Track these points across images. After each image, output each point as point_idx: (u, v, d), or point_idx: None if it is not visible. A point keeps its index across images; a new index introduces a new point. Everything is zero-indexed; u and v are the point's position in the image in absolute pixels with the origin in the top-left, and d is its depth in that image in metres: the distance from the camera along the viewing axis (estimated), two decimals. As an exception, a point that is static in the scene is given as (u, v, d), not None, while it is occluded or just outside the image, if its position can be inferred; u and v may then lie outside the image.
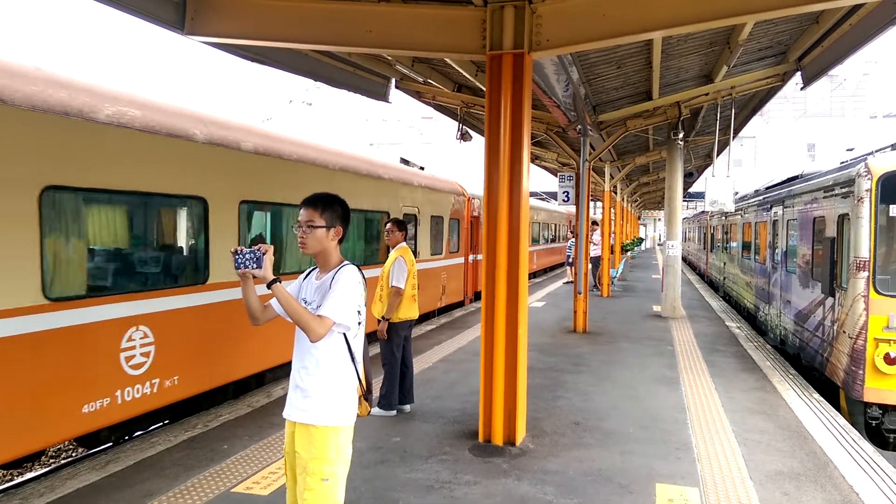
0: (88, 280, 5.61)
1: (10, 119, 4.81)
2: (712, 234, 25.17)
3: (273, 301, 3.08)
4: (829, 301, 8.48)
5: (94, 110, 5.51)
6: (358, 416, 3.25)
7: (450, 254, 15.08)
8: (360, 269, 3.20)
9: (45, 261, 5.07)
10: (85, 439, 6.24)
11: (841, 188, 8.25)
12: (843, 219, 8.12)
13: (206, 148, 6.80)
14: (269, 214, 8.12)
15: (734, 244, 18.97)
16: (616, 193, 24.61)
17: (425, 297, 13.01)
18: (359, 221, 10.29)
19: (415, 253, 11.55)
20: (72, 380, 5.30)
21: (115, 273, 5.92)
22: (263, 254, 2.91)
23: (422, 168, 14.28)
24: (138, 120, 5.98)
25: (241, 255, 2.91)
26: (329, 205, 3.16)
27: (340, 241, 3.23)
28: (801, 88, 10.63)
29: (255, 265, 2.91)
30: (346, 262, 3.19)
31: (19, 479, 6.66)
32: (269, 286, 2.92)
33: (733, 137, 13.75)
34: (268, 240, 8.15)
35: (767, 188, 15.26)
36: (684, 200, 28.48)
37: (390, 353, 6.77)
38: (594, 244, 18.92)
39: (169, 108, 6.58)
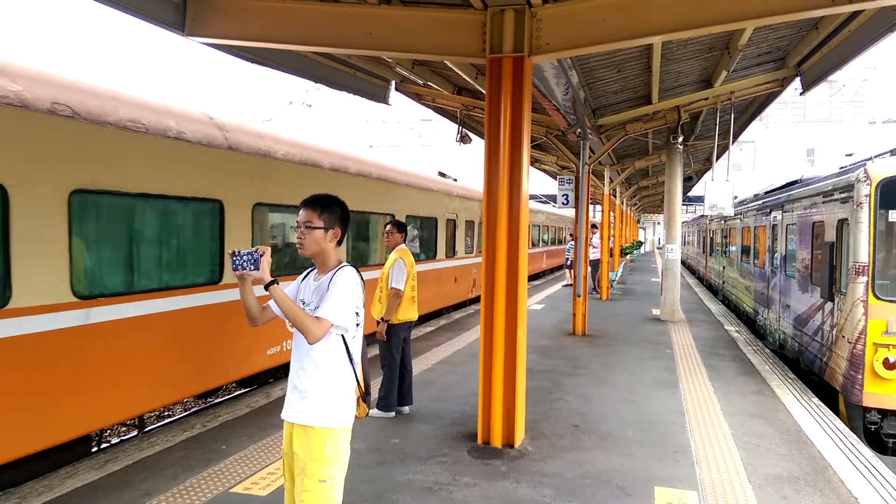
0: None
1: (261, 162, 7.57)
2: (711, 238, 25.19)
3: (271, 302, 3.08)
4: (829, 306, 8.49)
5: (272, 151, 7.89)
6: (356, 417, 3.26)
7: (479, 252, 17.15)
8: (357, 271, 3.20)
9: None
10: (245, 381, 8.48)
11: (840, 193, 8.27)
12: (842, 224, 8.14)
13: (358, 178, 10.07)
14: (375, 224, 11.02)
15: (733, 248, 18.99)
16: (615, 197, 24.64)
17: (461, 290, 16.07)
18: (420, 223, 13.16)
19: (453, 251, 14.80)
20: (264, 331, 7.51)
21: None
22: (261, 255, 2.92)
23: (455, 179, 16.62)
24: (298, 156, 8.37)
25: (238, 257, 2.92)
26: (328, 206, 3.16)
27: (339, 243, 3.23)
28: (801, 94, 10.65)
29: (252, 267, 2.91)
30: (345, 263, 3.20)
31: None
32: (266, 288, 2.92)
33: (733, 142, 13.77)
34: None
35: (767, 193, 15.29)
36: (684, 204, 28.54)
37: (389, 354, 6.77)
38: (593, 247, 18.93)
39: (327, 149, 9.41)
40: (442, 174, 16.09)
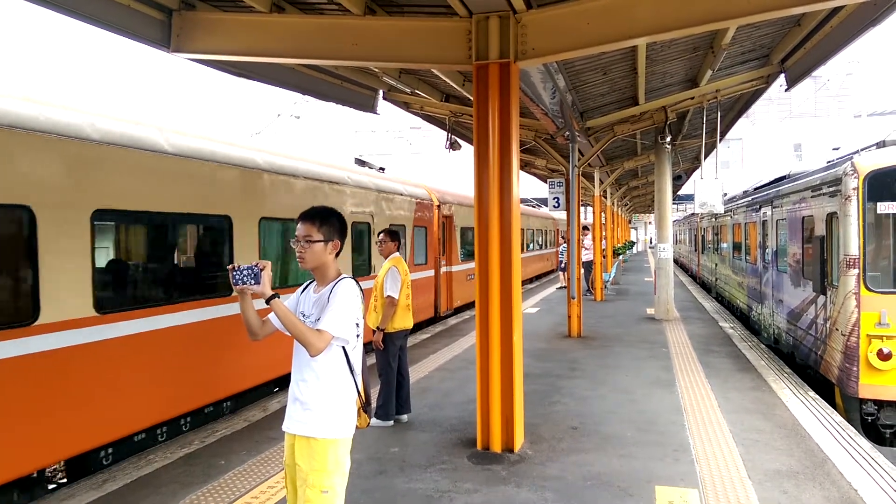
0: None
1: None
2: (703, 236, 25.30)
3: (271, 316, 3.08)
4: (821, 299, 8.54)
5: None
6: (357, 427, 3.26)
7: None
8: (357, 282, 3.21)
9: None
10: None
11: (828, 187, 8.33)
12: (831, 217, 8.19)
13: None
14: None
15: (725, 245, 19.08)
16: (606, 198, 24.71)
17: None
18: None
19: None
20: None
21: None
22: (261, 270, 2.93)
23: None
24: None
25: (238, 272, 2.92)
26: (326, 219, 3.17)
27: (338, 255, 3.24)
28: (786, 90, 10.75)
29: (253, 281, 2.92)
30: (344, 275, 3.21)
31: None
32: (267, 302, 2.93)
33: (720, 140, 13.85)
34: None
35: (756, 189, 15.37)
36: (674, 203, 28.61)
37: (386, 363, 6.76)
38: (586, 249, 18.98)
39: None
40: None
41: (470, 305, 16.71)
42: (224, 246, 7.47)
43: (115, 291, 6.16)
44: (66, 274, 5.37)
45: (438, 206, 14.95)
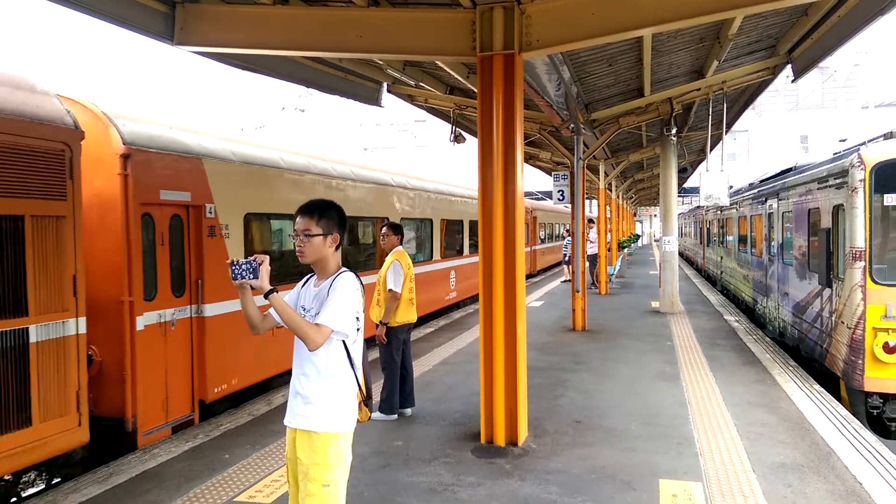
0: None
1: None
2: (708, 229, 25.20)
3: (272, 310, 3.08)
4: (827, 292, 8.50)
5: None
6: (358, 421, 3.25)
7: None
8: (357, 276, 3.20)
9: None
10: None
11: (835, 179, 8.27)
12: (837, 209, 8.14)
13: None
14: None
15: (730, 238, 19.00)
16: (611, 191, 24.62)
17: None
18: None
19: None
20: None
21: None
22: (259, 264, 2.91)
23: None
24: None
25: (237, 266, 2.91)
26: (325, 212, 3.15)
27: (337, 248, 3.23)
28: (793, 81, 10.65)
29: (251, 276, 2.91)
30: (344, 269, 3.19)
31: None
32: (266, 296, 2.92)
33: (726, 132, 13.79)
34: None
35: (762, 181, 15.28)
36: (679, 196, 28.53)
37: (389, 357, 6.76)
38: (591, 242, 18.92)
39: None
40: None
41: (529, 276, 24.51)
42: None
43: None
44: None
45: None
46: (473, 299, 17.00)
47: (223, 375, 7.23)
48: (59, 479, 5.86)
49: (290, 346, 3.18)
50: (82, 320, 5.45)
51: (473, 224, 16.77)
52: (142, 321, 6.24)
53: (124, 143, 6.09)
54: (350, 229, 8.76)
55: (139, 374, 6.13)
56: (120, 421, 6.05)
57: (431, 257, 14.14)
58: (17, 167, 4.95)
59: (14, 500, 5.62)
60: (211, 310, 7.07)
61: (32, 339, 5.03)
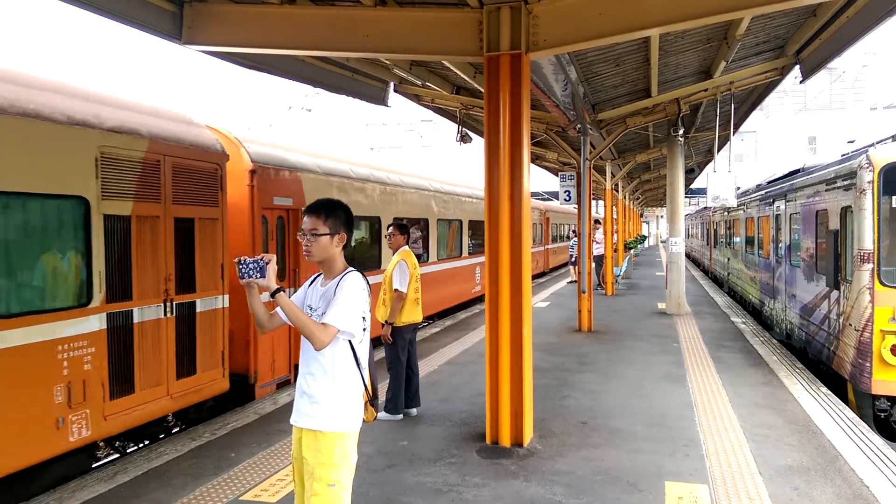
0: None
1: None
2: (715, 230, 25.12)
3: (279, 309, 3.08)
4: (835, 294, 8.46)
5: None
6: (364, 421, 3.26)
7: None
8: (364, 276, 3.20)
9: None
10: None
11: (843, 181, 8.23)
12: (845, 211, 8.10)
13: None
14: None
15: (737, 239, 18.93)
16: (618, 191, 24.58)
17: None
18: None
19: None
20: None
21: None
22: (266, 263, 2.92)
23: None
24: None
25: (244, 265, 2.92)
26: (332, 211, 3.16)
27: (344, 247, 3.23)
28: (801, 82, 10.61)
29: (258, 275, 2.92)
30: (351, 268, 3.20)
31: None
32: (272, 295, 2.92)
33: (733, 132, 13.72)
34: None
35: (769, 182, 15.22)
36: (686, 197, 28.42)
37: (395, 356, 6.76)
38: (597, 243, 18.89)
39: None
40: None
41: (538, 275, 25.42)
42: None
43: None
44: None
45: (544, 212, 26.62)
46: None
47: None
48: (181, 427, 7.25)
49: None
50: (226, 297, 7.26)
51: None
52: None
53: (252, 162, 7.85)
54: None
55: (259, 341, 7.94)
56: (244, 377, 7.85)
57: (461, 254, 15.75)
58: (190, 182, 6.67)
59: (162, 436, 6.93)
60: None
61: (199, 309, 6.81)
